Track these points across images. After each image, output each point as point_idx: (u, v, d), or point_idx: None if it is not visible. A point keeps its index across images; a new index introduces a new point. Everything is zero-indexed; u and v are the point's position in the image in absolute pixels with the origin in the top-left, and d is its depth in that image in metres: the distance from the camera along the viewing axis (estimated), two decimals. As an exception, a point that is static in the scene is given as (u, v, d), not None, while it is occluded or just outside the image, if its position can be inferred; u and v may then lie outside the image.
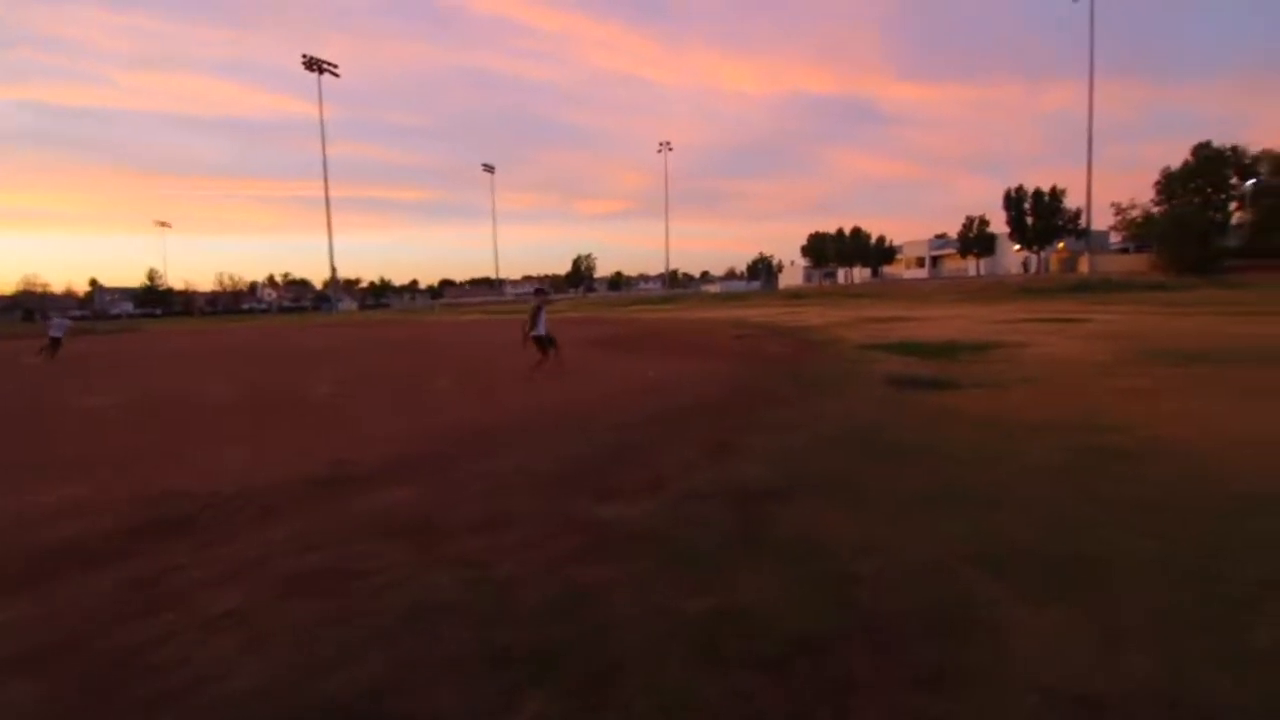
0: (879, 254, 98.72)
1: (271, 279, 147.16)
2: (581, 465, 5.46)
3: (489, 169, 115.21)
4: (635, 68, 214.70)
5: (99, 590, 3.38)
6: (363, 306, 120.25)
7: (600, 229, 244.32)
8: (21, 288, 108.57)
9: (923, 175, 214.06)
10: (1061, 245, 61.24)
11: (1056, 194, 59.47)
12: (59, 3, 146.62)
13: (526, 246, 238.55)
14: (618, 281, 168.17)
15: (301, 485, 5.19)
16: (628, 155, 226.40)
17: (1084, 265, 52.39)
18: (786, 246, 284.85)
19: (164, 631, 2.93)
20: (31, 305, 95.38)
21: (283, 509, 4.60)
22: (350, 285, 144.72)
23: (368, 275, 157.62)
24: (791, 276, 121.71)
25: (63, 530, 4.33)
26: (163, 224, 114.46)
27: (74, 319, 26.56)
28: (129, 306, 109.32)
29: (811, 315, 29.29)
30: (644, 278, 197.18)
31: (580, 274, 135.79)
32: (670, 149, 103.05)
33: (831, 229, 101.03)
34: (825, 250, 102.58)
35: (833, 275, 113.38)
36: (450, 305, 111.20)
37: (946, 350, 12.69)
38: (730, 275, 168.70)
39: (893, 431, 6.22)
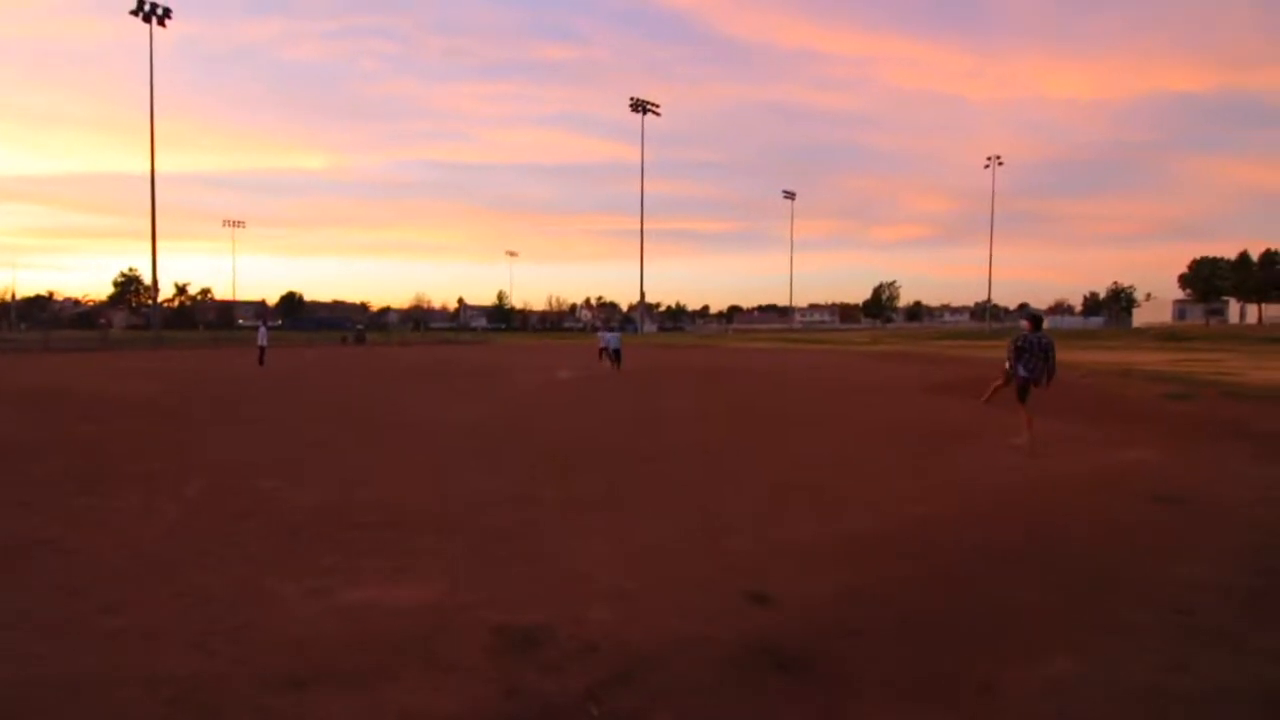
0: (1308, 285, 74.40)
1: (588, 301, 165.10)
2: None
3: (790, 195, 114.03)
4: (943, 84, 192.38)
5: None
6: (661, 329, 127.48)
7: (897, 256, 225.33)
8: (413, 303, 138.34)
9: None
10: None
11: None
12: (448, 82, 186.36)
13: (817, 274, 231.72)
14: (917, 312, 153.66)
15: (720, 662, 3.05)
16: (930, 178, 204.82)
17: None
18: (1134, 275, 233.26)
19: None
20: (419, 318, 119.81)
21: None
22: (650, 309, 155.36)
23: (665, 300, 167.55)
24: (1153, 312, 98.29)
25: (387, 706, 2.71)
26: (511, 253, 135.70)
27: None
28: (484, 321, 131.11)
29: (1242, 367, 20.98)
30: (947, 309, 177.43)
31: (880, 304, 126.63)
32: (1000, 163, 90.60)
33: (1211, 253, 78.71)
34: (1216, 281, 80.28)
35: (1220, 312, 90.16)
36: (742, 331, 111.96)
37: None
38: (1059, 308, 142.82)
39: None
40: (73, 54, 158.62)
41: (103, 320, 69.71)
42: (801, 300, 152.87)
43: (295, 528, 5.18)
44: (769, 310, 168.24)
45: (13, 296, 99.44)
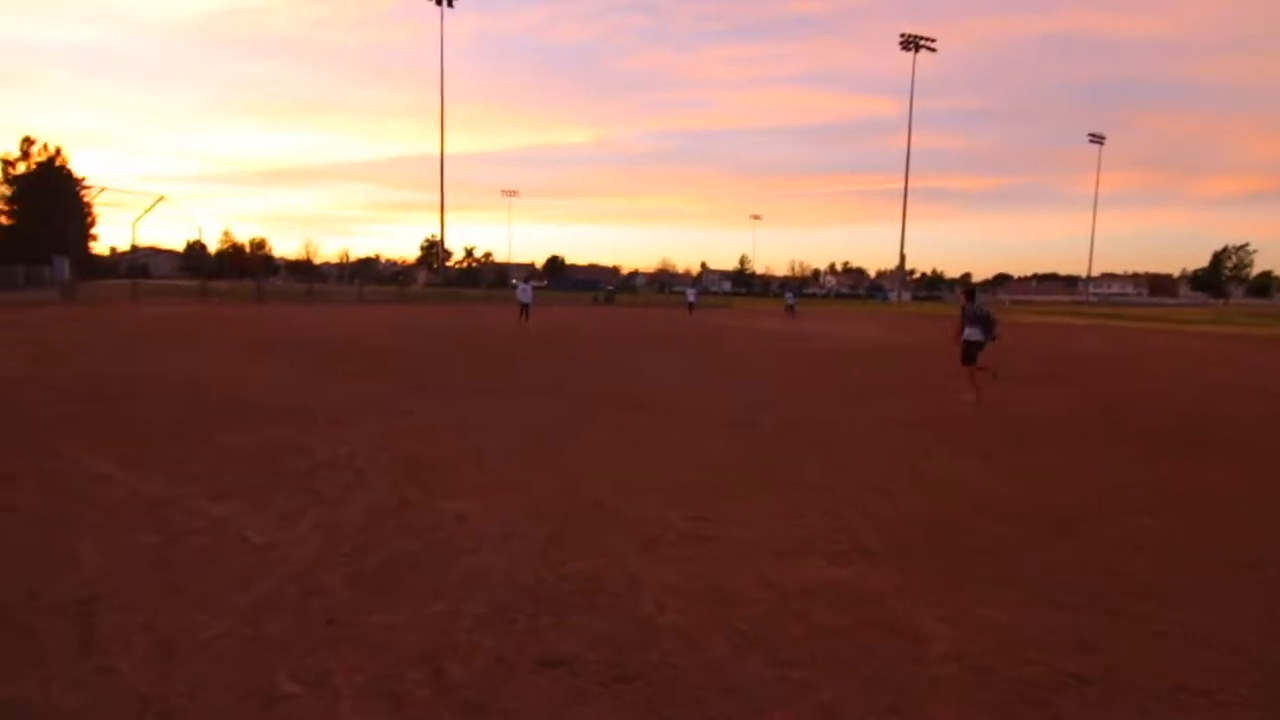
0: None
1: (832, 266, 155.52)
2: None
3: (1097, 139, 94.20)
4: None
5: None
6: (915, 298, 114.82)
7: (1230, 216, 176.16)
8: (659, 267, 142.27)
9: None
10: None
11: None
12: (697, 50, 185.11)
13: (1112, 237, 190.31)
14: (1265, 285, 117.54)
15: None
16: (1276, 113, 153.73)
17: None
18: None
19: None
20: (664, 281, 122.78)
21: None
22: (904, 276, 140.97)
23: (919, 267, 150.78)
24: None
25: None
26: (755, 217, 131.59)
27: (535, 287, 29.31)
28: (726, 286, 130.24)
29: None
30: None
31: (1221, 274, 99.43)
32: None
33: None
34: None
35: None
36: (1020, 304, 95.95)
37: None
38: None
39: None
40: (394, 54, 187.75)
41: (401, 278, 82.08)
42: (1094, 269, 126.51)
43: (490, 605, 2.87)
44: (1048, 279, 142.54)
45: (347, 258, 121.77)
